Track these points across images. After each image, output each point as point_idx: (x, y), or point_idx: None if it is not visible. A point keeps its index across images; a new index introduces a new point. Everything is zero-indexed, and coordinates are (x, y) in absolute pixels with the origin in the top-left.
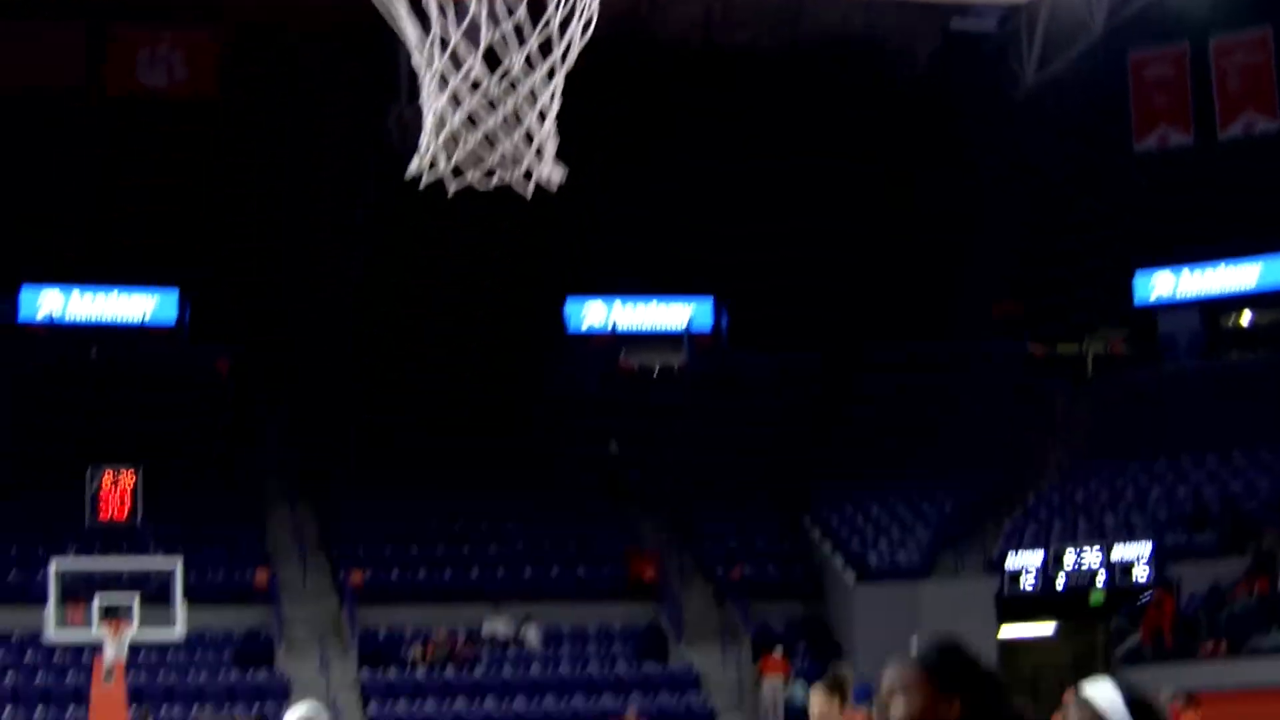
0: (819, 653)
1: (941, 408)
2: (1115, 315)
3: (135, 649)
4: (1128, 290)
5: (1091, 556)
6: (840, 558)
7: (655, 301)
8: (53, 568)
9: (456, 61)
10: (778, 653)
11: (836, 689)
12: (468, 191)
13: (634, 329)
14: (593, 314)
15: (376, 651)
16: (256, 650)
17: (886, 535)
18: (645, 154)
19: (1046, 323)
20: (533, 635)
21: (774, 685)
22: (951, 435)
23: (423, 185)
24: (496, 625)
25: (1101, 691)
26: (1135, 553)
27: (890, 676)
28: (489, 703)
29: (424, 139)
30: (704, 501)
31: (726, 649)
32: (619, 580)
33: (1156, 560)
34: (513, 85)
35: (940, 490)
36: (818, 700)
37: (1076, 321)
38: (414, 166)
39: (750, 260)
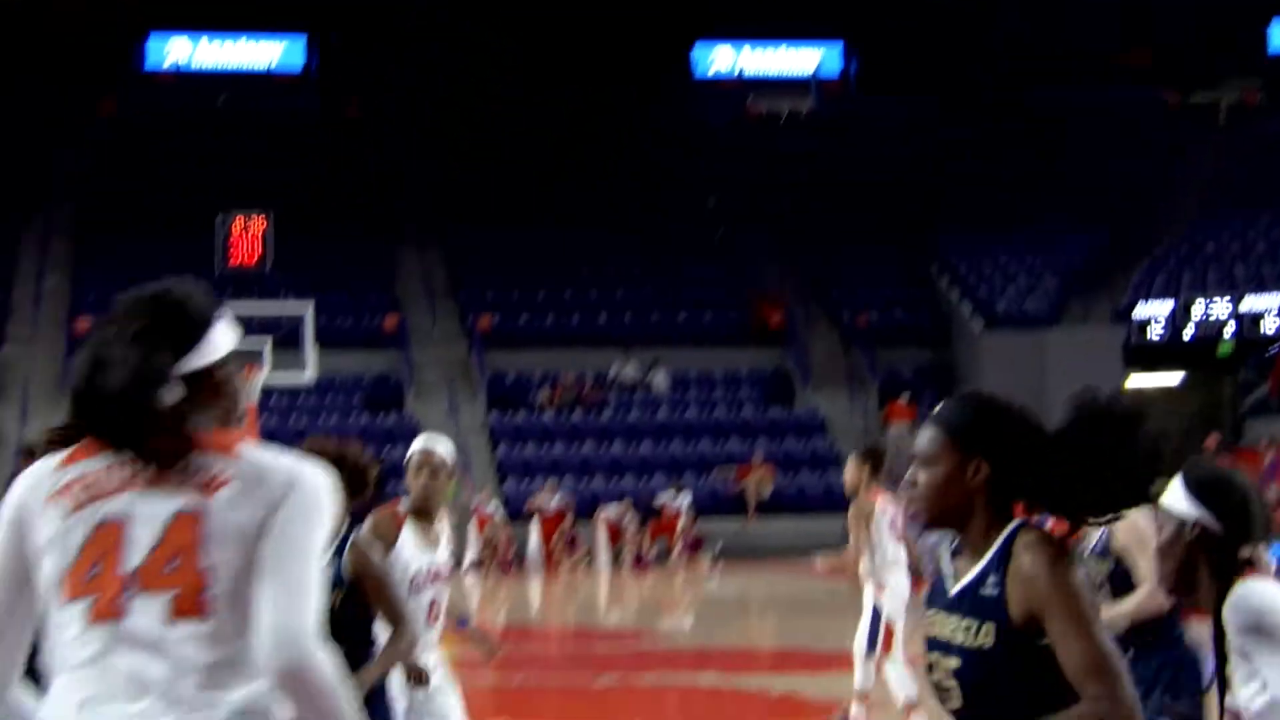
0: (945, 400)
1: (1072, 155)
2: (1250, 65)
3: (267, 392)
4: (1262, 39)
5: (1220, 307)
6: (968, 304)
7: (784, 46)
8: None
9: None
10: (904, 399)
11: (867, 460)
12: None
13: (761, 74)
14: (720, 59)
15: (504, 395)
16: (386, 394)
17: (1014, 282)
18: None
19: (1180, 71)
20: (660, 380)
21: (900, 431)
22: (1082, 183)
23: None
24: (624, 369)
25: (1169, 496)
26: (1265, 304)
27: (917, 443)
28: (616, 446)
29: None
30: (831, 247)
31: (853, 394)
32: (746, 325)
33: None
34: None
35: (1069, 238)
36: (851, 468)
37: (1210, 71)
38: None
39: (880, 2)
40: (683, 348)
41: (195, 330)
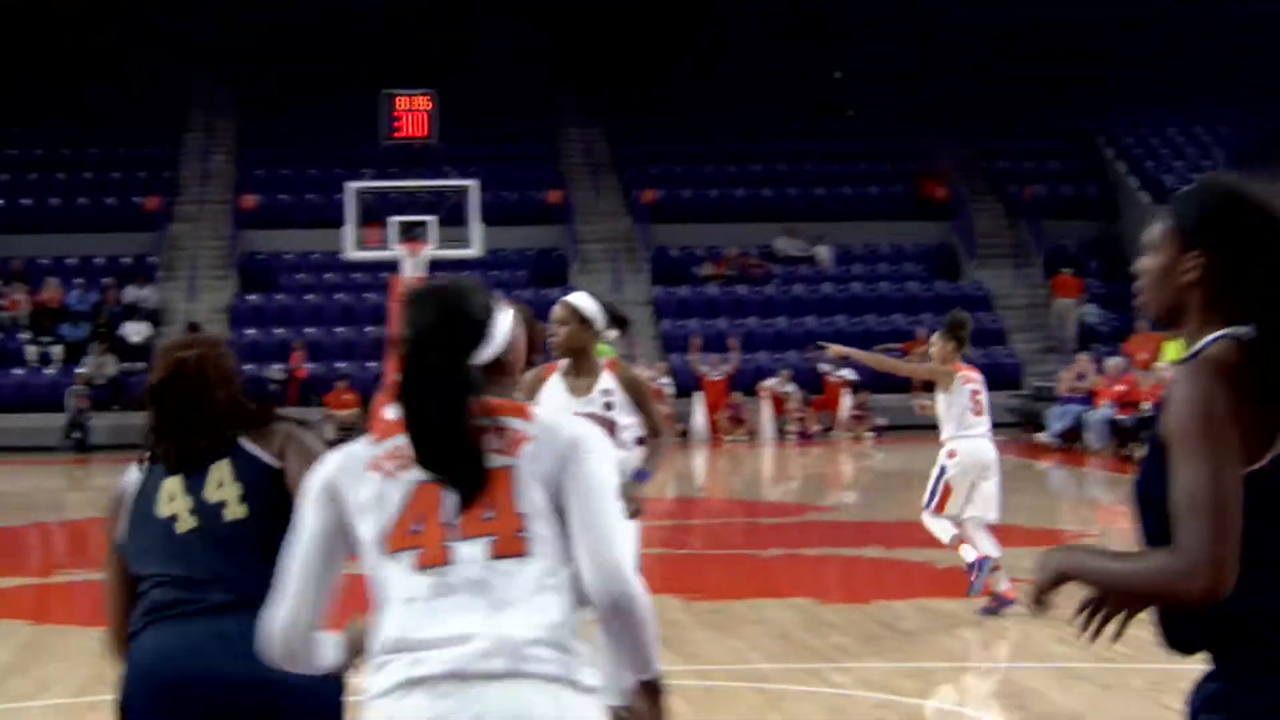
0: (1111, 274)
1: (1245, 29)
2: None
3: (434, 268)
4: None
5: None
6: (1135, 178)
7: None
8: (350, 189)
9: None
10: (1070, 273)
11: (951, 336)
12: None
13: None
14: None
15: (668, 269)
16: (550, 269)
17: (1183, 157)
18: None
19: None
20: (824, 254)
21: (1066, 305)
22: (1254, 58)
23: None
24: (788, 244)
25: None
26: None
27: (1148, 231)
28: (780, 321)
29: None
30: (996, 120)
31: (1018, 268)
32: (911, 199)
33: None
34: None
35: (1239, 113)
36: (936, 343)
37: None
38: None
39: None
40: (847, 221)
41: (484, 327)
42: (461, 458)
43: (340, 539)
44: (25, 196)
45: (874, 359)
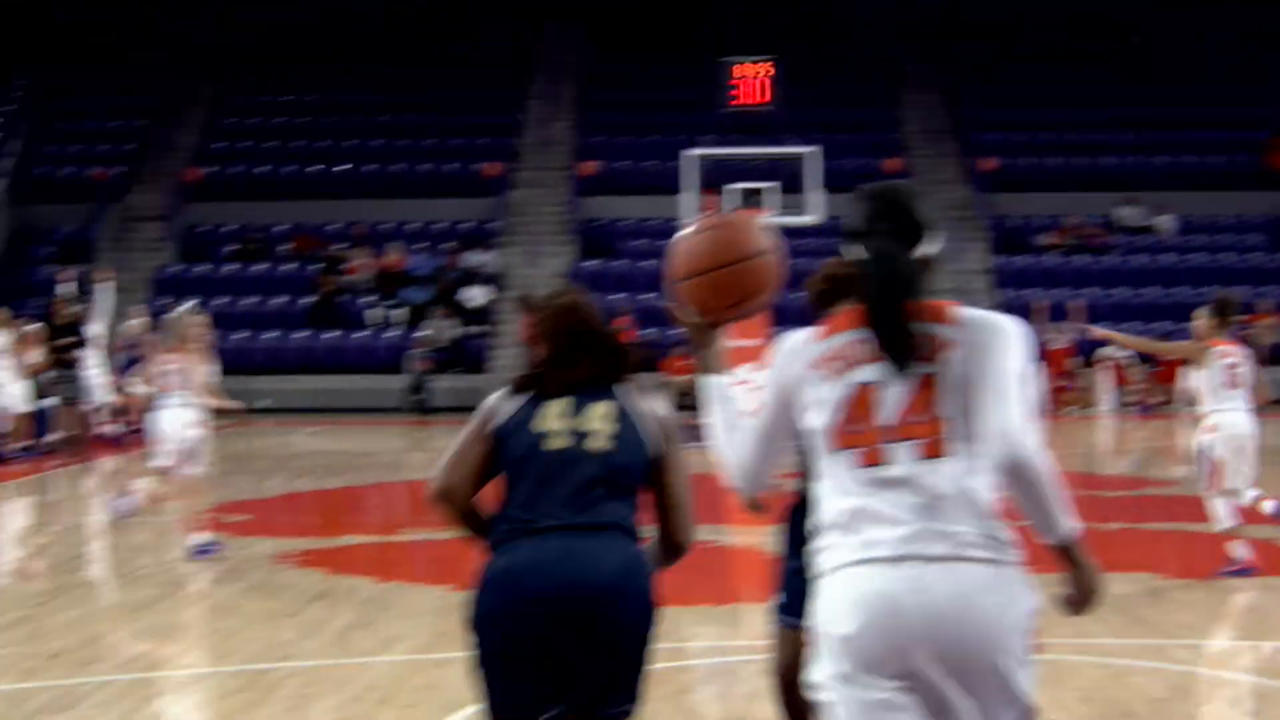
0: None
1: None
2: None
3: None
4: None
5: None
6: None
7: None
8: (688, 157)
9: None
10: None
11: (1216, 313)
12: None
13: None
14: None
15: (1008, 238)
16: None
17: None
18: None
19: None
20: (1166, 223)
21: None
22: None
23: None
24: (1130, 213)
25: None
26: None
27: None
28: (1120, 291)
29: None
30: None
31: None
32: (1256, 168)
33: None
34: None
35: None
36: (1200, 319)
37: None
38: None
39: None
40: (1190, 190)
41: (923, 226)
42: (908, 346)
43: (787, 421)
44: (369, 163)
45: (1133, 340)
